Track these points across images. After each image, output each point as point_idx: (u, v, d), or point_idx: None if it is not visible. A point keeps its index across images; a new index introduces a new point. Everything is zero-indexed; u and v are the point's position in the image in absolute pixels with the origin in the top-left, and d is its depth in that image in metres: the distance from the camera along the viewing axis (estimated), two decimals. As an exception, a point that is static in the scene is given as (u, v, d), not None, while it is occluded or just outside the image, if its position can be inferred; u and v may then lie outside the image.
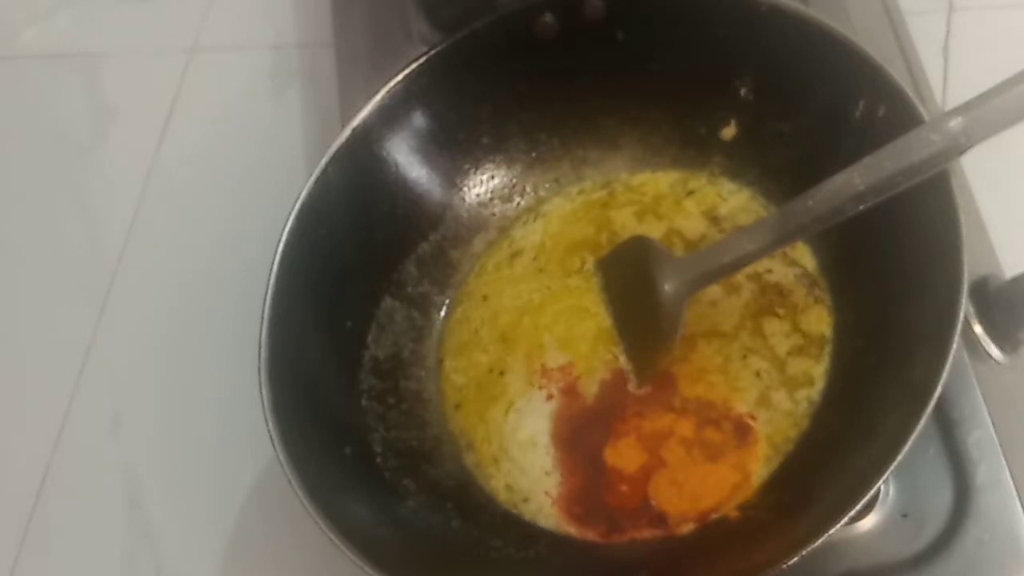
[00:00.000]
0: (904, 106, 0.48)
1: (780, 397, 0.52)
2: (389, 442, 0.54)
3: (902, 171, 0.44)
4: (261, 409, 0.47)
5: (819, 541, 0.41)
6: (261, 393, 0.48)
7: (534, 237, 0.62)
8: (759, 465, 0.51)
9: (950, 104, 0.48)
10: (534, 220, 0.63)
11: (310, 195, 0.54)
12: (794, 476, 0.50)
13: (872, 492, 0.41)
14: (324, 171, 0.55)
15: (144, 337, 0.70)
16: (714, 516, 0.50)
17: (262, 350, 0.49)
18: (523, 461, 0.54)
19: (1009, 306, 0.55)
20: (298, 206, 0.53)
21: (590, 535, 0.51)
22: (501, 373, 0.57)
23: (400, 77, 0.57)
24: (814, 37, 0.53)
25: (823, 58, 0.53)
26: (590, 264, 0.60)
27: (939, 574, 0.49)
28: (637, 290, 0.54)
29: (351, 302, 0.57)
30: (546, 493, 0.53)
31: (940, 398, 0.41)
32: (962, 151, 0.44)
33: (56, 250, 0.75)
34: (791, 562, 0.41)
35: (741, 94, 0.58)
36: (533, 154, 0.63)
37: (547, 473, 0.53)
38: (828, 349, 0.53)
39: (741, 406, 0.52)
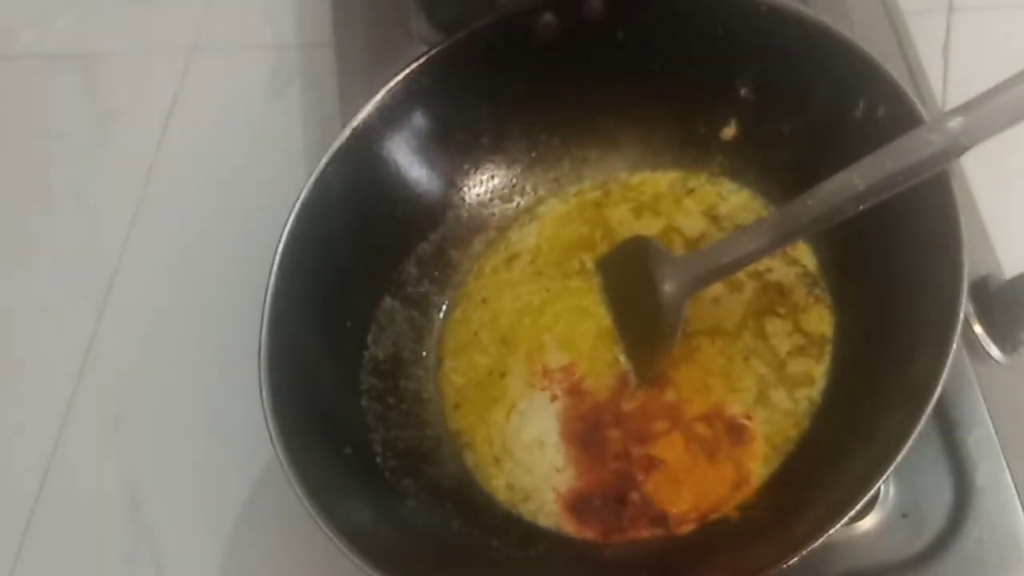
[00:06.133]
0: (904, 106, 0.48)
1: (780, 396, 0.52)
2: (389, 442, 0.54)
3: (902, 171, 0.44)
4: (261, 409, 0.47)
5: (819, 541, 0.41)
6: (261, 393, 0.48)
7: (529, 240, 0.62)
8: (759, 465, 0.51)
9: (950, 104, 0.48)
10: (529, 223, 0.63)
11: (310, 195, 0.54)
12: (794, 476, 0.50)
13: (872, 492, 0.41)
14: (324, 171, 0.55)
15: (144, 337, 0.70)
16: (714, 516, 0.50)
17: (262, 350, 0.49)
18: (528, 461, 0.54)
19: (1009, 306, 0.55)
20: (298, 206, 0.53)
21: (589, 535, 0.51)
22: (501, 375, 0.57)
23: (400, 77, 0.57)
24: (814, 37, 0.53)
25: (823, 58, 0.53)
26: (589, 264, 0.60)
27: (939, 574, 0.49)
28: (637, 290, 0.54)
29: (351, 302, 0.57)
30: (553, 489, 0.53)
31: (940, 398, 0.41)
32: (962, 151, 0.44)
33: (56, 250, 0.75)
34: (791, 562, 0.41)
35: (741, 94, 0.58)
36: (533, 154, 0.63)
37: (558, 470, 0.53)
38: (829, 349, 0.53)
39: (741, 406, 0.52)
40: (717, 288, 0.55)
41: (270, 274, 0.52)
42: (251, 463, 0.61)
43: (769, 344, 0.54)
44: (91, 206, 0.77)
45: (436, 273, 0.61)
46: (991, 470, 0.51)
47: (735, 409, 0.52)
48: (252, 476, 0.61)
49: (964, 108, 0.43)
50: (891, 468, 0.41)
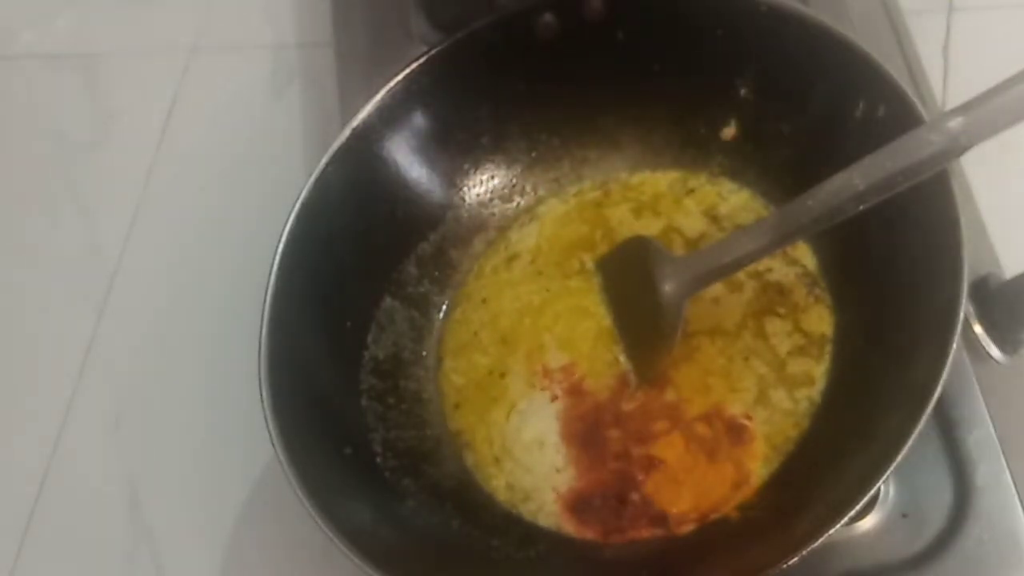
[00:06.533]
0: (904, 106, 0.48)
1: (780, 396, 0.52)
2: (389, 442, 0.54)
3: (902, 171, 0.44)
4: (261, 409, 0.47)
5: (819, 541, 0.41)
6: (261, 393, 0.48)
7: (529, 240, 0.62)
8: (759, 465, 0.51)
9: (950, 104, 0.48)
10: (529, 223, 0.63)
11: (310, 195, 0.54)
12: (794, 476, 0.50)
13: (872, 492, 0.41)
14: (324, 171, 0.55)
15: (144, 337, 0.70)
16: (714, 516, 0.50)
17: (262, 350, 0.49)
18: (528, 461, 0.54)
19: (1009, 306, 0.55)
20: (298, 206, 0.53)
21: (589, 535, 0.51)
22: (501, 375, 0.57)
23: (400, 77, 0.57)
24: (814, 37, 0.53)
25: (823, 58, 0.53)
26: (589, 264, 0.60)
27: (939, 574, 0.49)
28: (637, 290, 0.54)
29: (351, 302, 0.57)
30: (553, 489, 0.53)
31: (940, 398, 0.41)
32: (962, 151, 0.44)
33: (56, 250, 0.75)
34: (791, 562, 0.41)
35: (741, 94, 0.58)
36: (533, 154, 0.63)
37: (558, 470, 0.53)
38: (829, 349, 0.53)
39: (741, 406, 0.52)
40: (717, 288, 0.55)
41: (270, 274, 0.52)
42: (251, 463, 0.61)
43: (769, 344, 0.54)
44: (91, 206, 0.77)
45: (436, 273, 0.61)
46: (991, 470, 0.51)
47: (735, 409, 0.52)
48: (252, 476, 0.61)
49: (964, 108, 0.43)
50: (891, 468, 0.41)
